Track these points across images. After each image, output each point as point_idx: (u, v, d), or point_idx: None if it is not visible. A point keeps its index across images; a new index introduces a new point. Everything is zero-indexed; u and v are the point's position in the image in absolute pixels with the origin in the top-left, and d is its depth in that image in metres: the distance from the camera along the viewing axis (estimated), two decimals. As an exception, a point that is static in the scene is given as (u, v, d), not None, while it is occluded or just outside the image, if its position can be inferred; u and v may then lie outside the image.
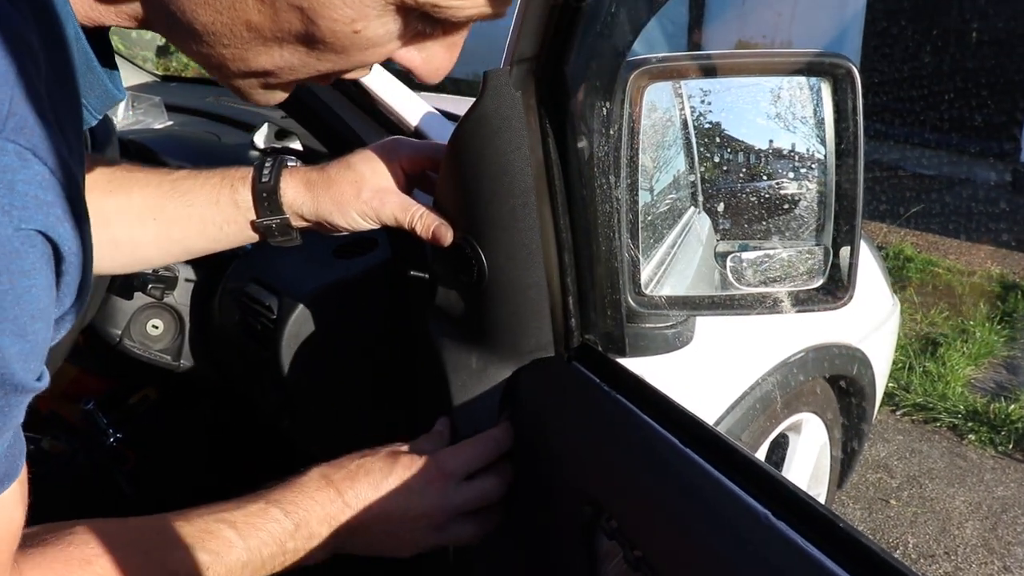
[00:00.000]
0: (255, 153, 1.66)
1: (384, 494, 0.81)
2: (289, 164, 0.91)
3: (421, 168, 0.91)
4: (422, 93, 1.35)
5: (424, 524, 0.82)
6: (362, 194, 0.88)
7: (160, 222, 0.90)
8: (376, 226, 0.90)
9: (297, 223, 0.91)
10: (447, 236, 0.85)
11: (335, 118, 1.18)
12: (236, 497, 0.79)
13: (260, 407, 1.44)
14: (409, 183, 0.92)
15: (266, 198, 0.89)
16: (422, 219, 0.86)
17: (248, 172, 0.90)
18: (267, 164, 0.90)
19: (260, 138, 1.66)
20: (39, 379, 0.53)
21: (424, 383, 1.19)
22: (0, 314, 0.47)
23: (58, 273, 0.52)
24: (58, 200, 0.50)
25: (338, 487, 0.80)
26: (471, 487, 0.84)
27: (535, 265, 0.82)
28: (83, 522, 0.67)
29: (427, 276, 0.94)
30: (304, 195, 0.89)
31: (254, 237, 0.92)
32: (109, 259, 0.90)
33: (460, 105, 1.77)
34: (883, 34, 5.79)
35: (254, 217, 0.90)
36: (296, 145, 1.64)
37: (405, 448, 0.87)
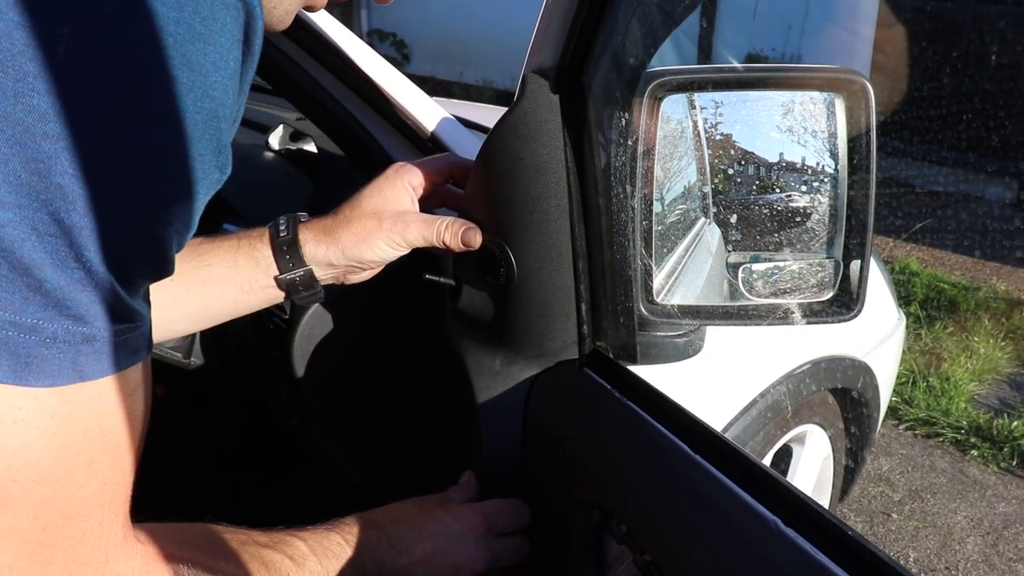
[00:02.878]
0: (270, 154, 1.67)
1: (427, 538, 0.82)
2: (302, 220, 0.90)
3: (430, 184, 0.91)
4: (436, 99, 1.36)
5: (466, 571, 0.84)
6: (383, 223, 0.87)
7: (178, 283, 0.88)
8: (405, 251, 0.89)
9: (323, 274, 0.90)
10: (477, 240, 0.85)
11: (352, 121, 1.20)
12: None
13: (270, 406, 1.45)
14: (420, 203, 0.92)
15: (287, 251, 0.88)
16: (449, 229, 0.86)
17: (263, 231, 0.90)
18: (281, 220, 0.89)
19: (275, 139, 1.67)
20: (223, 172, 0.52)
21: (433, 386, 1.20)
22: (190, 67, 0.46)
23: (247, 53, 0.51)
24: None
25: (383, 529, 0.82)
26: (507, 541, 0.87)
27: (565, 267, 0.83)
28: (161, 524, 0.66)
29: (441, 280, 0.94)
30: (325, 243, 0.88)
31: (279, 296, 0.91)
32: None
33: (472, 111, 1.79)
34: (901, 54, 5.81)
35: (276, 273, 0.89)
36: (311, 147, 1.65)
37: (436, 498, 0.89)
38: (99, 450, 0.52)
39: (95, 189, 0.44)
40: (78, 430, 0.50)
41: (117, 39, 0.44)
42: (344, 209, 0.89)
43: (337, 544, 0.77)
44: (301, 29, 1.16)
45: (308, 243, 0.88)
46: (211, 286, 0.89)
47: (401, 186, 0.89)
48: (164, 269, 0.52)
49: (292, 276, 0.88)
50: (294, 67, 1.21)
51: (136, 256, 0.48)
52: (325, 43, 1.16)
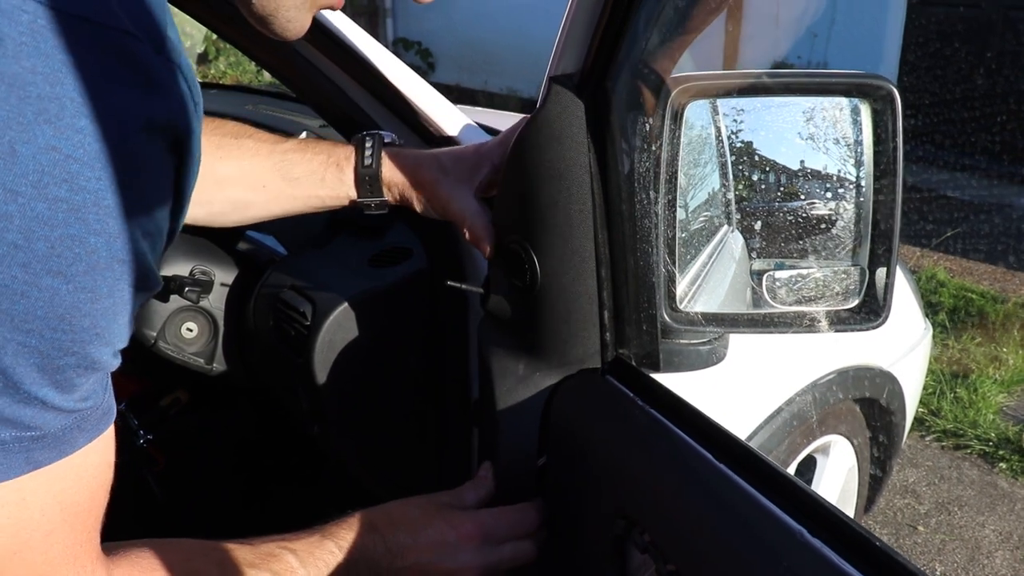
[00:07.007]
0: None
1: (422, 545, 0.82)
2: (386, 140, 0.97)
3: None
4: (460, 106, 1.36)
5: None
6: (439, 188, 0.93)
7: (269, 190, 0.97)
8: (442, 218, 0.96)
9: (393, 199, 0.97)
10: (485, 248, 0.88)
11: (376, 128, 1.20)
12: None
13: (291, 413, 1.46)
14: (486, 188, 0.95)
15: (368, 181, 0.95)
16: (472, 226, 0.90)
17: (351, 152, 0.97)
18: (368, 145, 0.96)
19: (298, 147, 1.67)
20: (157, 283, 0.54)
21: (453, 394, 1.20)
22: (129, 203, 0.48)
23: (181, 168, 0.53)
24: (187, 96, 0.52)
25: (382, 532, 0.82)
26: (507, 549, 0.86)
27: (588, 273, 0.82)
28: (142, 542, 0.67)
29: (463, 286, 0.95)
30: (398, 176, 0.95)
31: (347, 203, 1.00)
32: (225, 216, 1.01)
33: (496, 118, 1.78)
34: (920, 62, 5.77)
35: (355, 196, 0.97)
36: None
37: (448, 499, 0.88)
38: (59, 522, 0.53)
39: (24, 335, 0.46)
40: (34, 510, 0.51)
41: (35, 203, 0.45)
42: (425, 153, 0.97)
43: (329, 553, 0.77)
44: (325, 37, 1.16)
45: (386, 172, 0.96)
46: (298, 196, 0.99)
47: (479, 166, 0.93)
48: (108, 367, 0.53)
49: (369, 201, 0.98)
50: (318, 75, 1.21)
51: (72, 373, 0.50)
52: (350, 51, 1.16)
